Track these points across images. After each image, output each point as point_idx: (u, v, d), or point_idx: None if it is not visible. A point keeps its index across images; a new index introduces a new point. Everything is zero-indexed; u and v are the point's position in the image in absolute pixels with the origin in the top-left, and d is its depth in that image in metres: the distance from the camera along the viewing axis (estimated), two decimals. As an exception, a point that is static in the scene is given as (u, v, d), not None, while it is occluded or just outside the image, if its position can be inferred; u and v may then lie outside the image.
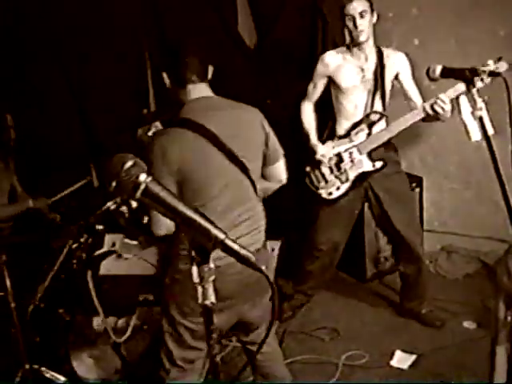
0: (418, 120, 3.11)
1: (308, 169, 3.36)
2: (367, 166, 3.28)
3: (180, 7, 4.17)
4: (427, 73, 1.85)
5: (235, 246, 1.19)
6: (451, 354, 3.18)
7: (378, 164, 3.27)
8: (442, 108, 2.92)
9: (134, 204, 3.13)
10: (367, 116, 3.24)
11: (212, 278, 1.22)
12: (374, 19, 3.18)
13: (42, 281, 2.94)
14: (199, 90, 2.22)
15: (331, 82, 3.32)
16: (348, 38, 3.28)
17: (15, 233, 3.36)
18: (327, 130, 3.43)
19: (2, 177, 3.40)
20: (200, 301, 1.22)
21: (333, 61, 3.28)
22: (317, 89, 3.37)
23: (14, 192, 3.45)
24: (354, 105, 3.27)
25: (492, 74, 1.74)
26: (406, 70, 3.30)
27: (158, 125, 3.68)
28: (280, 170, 2.41)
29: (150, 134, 3.39)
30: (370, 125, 3.24)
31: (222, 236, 1.19)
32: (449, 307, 3.64)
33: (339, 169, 3.28)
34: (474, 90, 1.72)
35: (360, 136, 3.26)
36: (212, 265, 1.23)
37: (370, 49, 3.22)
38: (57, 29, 3.87)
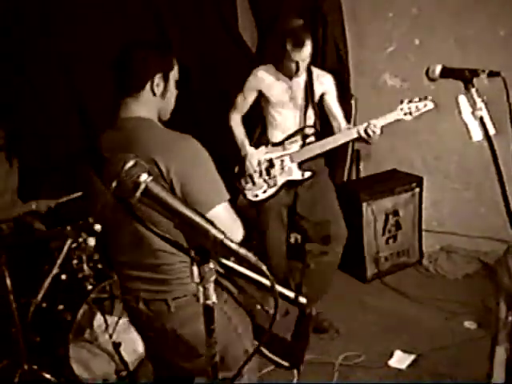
0: (347, 141, 3.28)
1: (237, 169, 3.45)
2: (296, 174, 3.39)
3: (180, 7, 4.17)
4: (427, 73, 1.85)
5: (234, 246, 1.19)
6: (451, 354, 3.18)
7: (307, 174, 3.39)
8: (374, 132, 3.09)
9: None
10: (302, 129, 3.36)
11: (213, 277, 1.22)
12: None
13: (42, 281, 2.94)
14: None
15: (262, 97, 3.38)
16: (282, 68, 3.27)
17: (15, 233, 3.36)
18: (255, 137, 3.51)
19: (7, 176, 3.40)
20: (201, 301, 1.23)
21: (266, 77, 3.33)
22: (246, 102, 3.40)
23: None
24: (285, 118, 3.37)
25: (491, 74, 1.74)
26: (332, 92, 3.42)
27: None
28: None
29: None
30: (304, 137, 3.37)
31: (220, 236, 1.19)
32: (449, 307, 3.64)
33: (269, 173, 3.40)
34: (474, 90, 1.72)
35: (293, 146, 3.37)
36: (212, 265, 1.23)
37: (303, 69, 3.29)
38: (56, 28, 3.87)
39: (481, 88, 1.79)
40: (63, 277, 3.05)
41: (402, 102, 3.12)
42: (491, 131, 1.75)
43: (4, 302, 2.78)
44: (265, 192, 3.41)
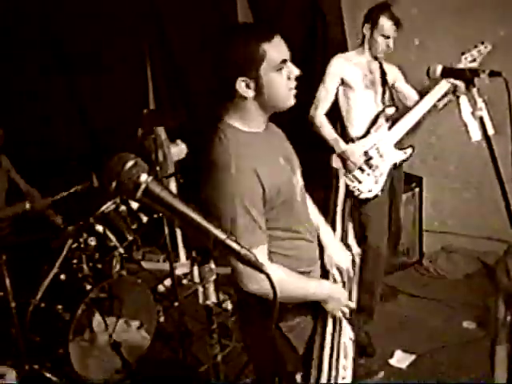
0: (439, 98, 3.09)
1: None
2: (398, 156, 3.27)
3: (180, 7, 4.17)
4: (427, 73, 1.85)
5: (236, 246, 1.19)
6: (451, 354, 3.18)
7: (409, 151, 3.29)
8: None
9: (135, 205, 3.14)
10: (382, 111, 3.23)
11: (213, 277, 1.22)
12: None
13: (42, 281, 2.94)
14: None
15: (342, 85, 3.29)
16: (367, 46, 3.24)
17: (15, 233, 3.36)
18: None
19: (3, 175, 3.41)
20: (201, 301, 1.22)
21: (345, 62, 3.27)
22: (329, 93, 3.28)
23: (18, 188, 3.45)
24: (365, 105, 3.26)
25: (492, 74, 1.74)
26: (401, 77, 3.41)
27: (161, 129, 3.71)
28: None
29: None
30: (388, 118, 3.24)
31: (222, 236, 1.19)
32: (449, 307, 3.64)
33: (370, 166, 3.23)
34: (475, 90, 1.72)
35: (381, 130, 3.23)
36: (213, 265, 1.23)
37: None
38: (57, 29, 3.87)
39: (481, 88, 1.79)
40: (62, 277, 3.05)
41: (463, 54, 3.04)
42: (490, 131, 1.75)
43: (4, 302, 2.78)
44: (377, 183, 3.24)
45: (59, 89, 4.10)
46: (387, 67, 3.33)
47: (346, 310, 1.88)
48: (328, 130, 3.26)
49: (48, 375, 2.85)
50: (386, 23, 3.11)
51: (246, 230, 1.61)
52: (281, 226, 1.76)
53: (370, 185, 3.24)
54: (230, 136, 1.73)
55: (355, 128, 3.29)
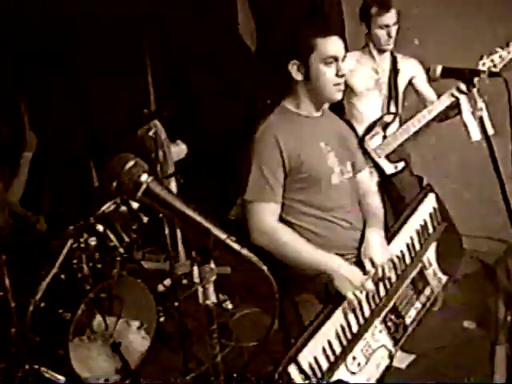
0: (437, 114, 2.99)
1: None
2: (388, 169, 3.16)
3: (180, 8, 4.17)
4: (428, 73, 1.85)
5: (236, 246, 1.19)
6: (451, 354, 3.18)
7: (400, 165, 3.19)
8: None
9: (136, 205, 3.14)
10: (381, 118, 3.14)
11: (213, 278, 1.22)
12: None
13: (42, 281, 2.94)
14: None
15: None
16: (371, 43, 3.16)
17: (15, 233, 3.35)
18: None
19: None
20: (201, 301, 1.22)
21: (346, 64, 3.21)
22: None
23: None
24: (368, 109, 3.17)
25: (492, 74, 1.74)
26: (421, 74, 3.21)
27: (157, 124, 3.69)
28: None
29: (151, 133, 3.38)
30: (385, 127, 3.13)
31: (223, 236, 1.19)
32: (449, 307, 3.64)
33: (375, 165, 3.14)
34: (475, 91, 1.72)
35: (375, 140, 3.13)
36: (213, 265, 1.22)
37: (387, 53, 3.17)
38: (57, 29, 3.87)
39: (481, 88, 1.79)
40: (62, 277, 3.05)
41: (481, 58, 2.75)
42: (490, 131, 1.75)
43: (3, 302, 2.78)
44: (396, 167, 3.17)
45: (59, 88, 4.10)
46: (403, 62, 3.19)
47: (360, 296, 1.89)
48: None
49: (48, 375, 2.85)
50: (377, 12, 3.02)
51: (254, 184, 1.90)
52: (310, 202, 1.96)
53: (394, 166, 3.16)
54: (276, 113, 1.99)
55: (358, 132, 3.19)
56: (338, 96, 1.95)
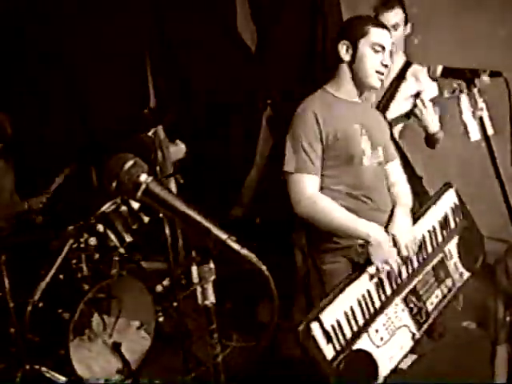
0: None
1: None
2: None
3: (180, 8, 4.17)
4: (428, 73, 1.84)
5: (236, 247, 1.19)
6: (451, 354, 3.17)
7: None
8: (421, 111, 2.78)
9: (136, 205, 3.14)
10: None
11: (212, 277, 1.22)
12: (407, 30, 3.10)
13: (41, 281, 2.94)
14: None
15: None
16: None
17: (15, 233, 3.35)
18: None
19: (3, 175, 3.40)
20: (199, 301, 1.22)
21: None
22: None
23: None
24: None
25: (493, 74, 1.74)
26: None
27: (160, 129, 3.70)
28: None
29: (150, 134, 3.38)
30: None
31: (223, 236, 1.19)
32: (449, 307, 3.63)
33: None
34: (475, 90, 1.72)
35: None
36: (212, 265, 1.22)
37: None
38: (57, 29, 3.87)
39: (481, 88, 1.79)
40: (61, 277, 3.05)
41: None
42: (489, 131, 1.75)
43: (3, 302, 2.78)
44: None
45: (59, 88, 4.10)
46: (415, 74, 3.14)
47: (387, 267, 1.99)
48: None
49: (48, 375, 2.85)
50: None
51: (293, 156, 2.03)
52: (340, 179, 2.08)
53: None
54: (316, 94, 2.13)
55: None
56: (378, 84, 2.06)
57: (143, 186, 1.19)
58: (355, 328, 1.91)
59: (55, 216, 3.47)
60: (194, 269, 1.22)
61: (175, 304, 3.30)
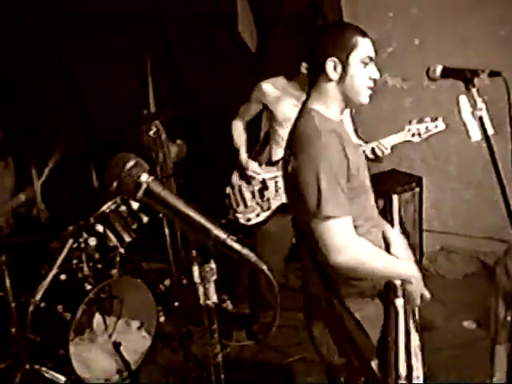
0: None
1: (228, 190, 3.28)
2: None
3: (181, 8, 4.17)
4: (427, 73, 1.84)
5: (237, 246, 1.19)
6: (451, 354, 3.18)
7: None
8: (382, 152, 2.88)
9: (135, 205, 3.14)
10: None
11: (214, 277, 1.22)
12: None
13: (42, 281, 2.94)
14: None
15: (267, 111, 3.21)
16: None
17: (15, 233, 3.36)
18: (253, 153, 3.36)
19: (3, 174, 3.41)
20: (201, 301, 1.22)
21: (271, 91, 3.16)
22: (250, 112, 3.28)
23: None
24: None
25: (492, 74, 1.74)
26: (346, 114, 3.21)
27: (157, 124, 3.68)
28: None
29: (151, 133, 3.38)
30: None
31: (223, 236, 1.19)
32: (449, 307, 3.64)
33: (262, 196, 3.18)
34: (474, 90, 1.72)
35: None
36: (213, 264, 1.22)
37: None
38: (57, 29, 3.87)
39: (480, 88, 1.79)
40: (62, 277, 3.05)
41: (410, 122, 2.84)
42: (490, 131, 1.75)
43: (4, 302, 2.78)
44: (258, 216, 3.19)
45: (59, 88, 4.10)
46: None
47: (419, 300, 1.90)
48: (236, 137, 3.27)
49: (48, 375, 2.85)
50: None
51: (330, 197, 1.69)
52: (359, 213, 1.84)
53: (251, 213, 3.20)
54: (316, 116, 1.83)
55: (276, 156, 3.19)
56: (367, 100, 1.88)
57: (144, 186, 1.20)
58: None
59: (55, 216, 3.48)
60: (196, 269, 1.22)
61: (176, 304, 3.30)
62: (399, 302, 1.86)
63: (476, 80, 1.72)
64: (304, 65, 2.96)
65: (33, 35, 3.81)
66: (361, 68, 1.83)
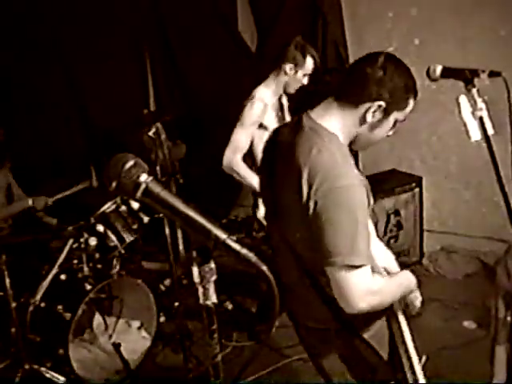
0: None
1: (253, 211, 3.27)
2: None
3: (181, 8, 4.17)
4: (427, 73, 1.84)
5: (236, 247, 1.19)
6: (451, 354, 3.18)
7: None
8: None
9: (136, 205, 3.14)
10: None
11: (213, 277, 1.22)
12: None
13: (42, 281, 2.95)
14: None
15: (259, 128, 3.10)
16: (282, 84, 3.08)
17: (15, 233, 3.36)
18: None
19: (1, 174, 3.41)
20: (201, 301, 1.22)
21: (263, 105, 3.06)
22: (250, 138, 3.10)
23: (10, 191, 3.45)
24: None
25: (492, 74, 1.74)
26: None
27: (158, 126, 3.68)
28: None
29: (150, 133, 3.38)
30: None
31: (223, 236, 1.19)
32: (449, 307, 3.64)
33: None
34: (474, 90, 1.71)
35: None
36: (213, 265, 1.22)
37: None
38: (57, 29, 3.87)
39: (480, 88, 1.79)
40: (62, 277, 3.05)
41: None
42: (490, 131, 1.75)
43: (4, 302, 2.78)
44: None
45: (59, 88, 4.10)
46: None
47: (419, 304, 1.89)
48: (247, 172, 3.11)
49: (48, 375, 2.85)
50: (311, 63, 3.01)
51: (354, 245, 1.54)
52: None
53: None
54: (330, 142, 1.63)
55: None
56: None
57: (143, 186, 1.19)
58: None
59: (55, 216, 3.48)
60: (195, 269, 1.22)
61: (176, 304, 3.30)
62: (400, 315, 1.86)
63: (476, 80, 1.72)
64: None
65: (33, 35, 3.81)
66: (390, 121, 1.69)
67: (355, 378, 1.87)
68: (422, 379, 1.74)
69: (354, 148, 1.75)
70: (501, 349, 2.24)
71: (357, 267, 1.54)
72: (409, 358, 1.77)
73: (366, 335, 1.80)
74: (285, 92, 3.17)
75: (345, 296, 1.57)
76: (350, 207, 1.54)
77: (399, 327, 1.84)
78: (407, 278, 1.84)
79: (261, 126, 3.07)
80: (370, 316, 1.76)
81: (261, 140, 3.08)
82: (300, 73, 3.05)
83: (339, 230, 1.54)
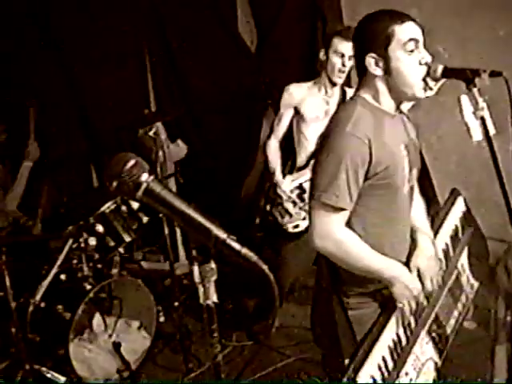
0: None
1: (268, 207, 3.29)
2: None
3: (180, 8, 4.17)
4: (428, 73, 1.84)
5: (236, 246, 1.19)
6: (451, 354, 3.17)
7: None
8: None
9: (135, 205, 3.15)
10: None
11: (214, 277, 1.22)
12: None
13: (42, 281, 2.94)
14: None
15: (295, 114, 3.23)
16: (324, 73, 3.14)
17: (15, 233, 3.35)
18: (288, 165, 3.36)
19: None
20: (201, 301, 1.22)
21: (298, 92, 3.21)
22: (282, 124, 3.26)
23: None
24: (315, 136, 3.14)
25: (493, 74, 1.74)
26: None
27: (159, 125, 3.69)
28: None
29: (151, 133, 3.39)
30: None
31: (223, 236, 1.19)
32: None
33: (303, 200, 3.17)
34: (476, 90, 1.71)
35: None
36: (213, 264, 1.22)
37: (338, 87, 3.20)
38: (58, 29, 3.87)
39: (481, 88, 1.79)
40: (62, 277, 3.05)
41: None
42: (491, 131, 1.75)
43: (4, 302, 2.78)
44: (305, 219, 3.13)
45: (59, 88, 4.10)
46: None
47: (413, 305, 1.83)
48: (272, 158, 3.27)
49: (48, 375, 2.85)
50: (338, 41, 3.02)
51: (334, 186, 1.68)
52: (383, 213, 1.82)
53: (298, 221, 3.19)
54: (358, 106, 1.77)
55: (302, 159, 3.24)
56: (422, 93, 1.77)
57: (144, 186, 1.20)
58: (387, 375, 1.76)
59: (55, 216, 3.48)
60: (196, 269, 1.22)
61: (176, 304, 3.30)
62: (398, 312, 1.84)
63: (477, 80, 1.72)
64: (322, 52, 3.08)
65: (33, 35, 3.81)
66: (405, 57, 1.71)
67: (317, 338, 2.00)
68: (360, 379, 1.68)
69: (406, 100, 1.85)
70: (501, 349, 2.24)
71: (331, 207, 1.70)
72: (366, 354, 1.73)
73: (351, 313, 1.86)
74: (330, 79, 3.16)
75: (310, 228, 1.77)
76: (337, 151, 1.70)
77: (384, 324, 1.82)
78: (391, 266, 1.81)
79: (298, 113, 3.21)
80: (364, 295, 1.86)
81: (297, 128, 3.24)
82: (331, 52, 3.08)
83: (323, 168, 1.73)
